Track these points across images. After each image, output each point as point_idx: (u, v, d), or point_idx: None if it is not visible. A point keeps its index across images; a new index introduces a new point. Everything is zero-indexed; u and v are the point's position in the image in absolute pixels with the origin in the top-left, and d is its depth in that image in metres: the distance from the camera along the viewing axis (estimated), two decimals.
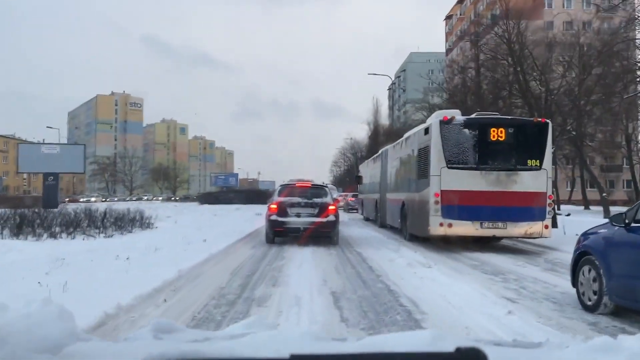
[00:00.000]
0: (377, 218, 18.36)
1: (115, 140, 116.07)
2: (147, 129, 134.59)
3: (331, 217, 10.70)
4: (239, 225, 15.93)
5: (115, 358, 1.02)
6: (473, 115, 10.63)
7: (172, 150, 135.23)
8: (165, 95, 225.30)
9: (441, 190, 9.92)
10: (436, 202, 9.92)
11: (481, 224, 9.89)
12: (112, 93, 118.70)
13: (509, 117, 11.40)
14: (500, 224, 9.91)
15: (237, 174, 77.65)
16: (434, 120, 10.37)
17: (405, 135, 14.17)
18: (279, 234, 10.98)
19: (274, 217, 10.67)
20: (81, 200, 56.35)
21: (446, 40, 62.94)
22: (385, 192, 16.25)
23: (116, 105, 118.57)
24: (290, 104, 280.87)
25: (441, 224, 9.86)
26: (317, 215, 10.63)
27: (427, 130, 10.63)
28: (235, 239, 11.65)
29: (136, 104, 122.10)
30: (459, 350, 0.76)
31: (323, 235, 10.96)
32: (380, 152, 18.93)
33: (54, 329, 0.96)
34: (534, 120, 10.41)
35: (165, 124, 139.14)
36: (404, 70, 66.16)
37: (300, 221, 10.59)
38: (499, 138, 10.04)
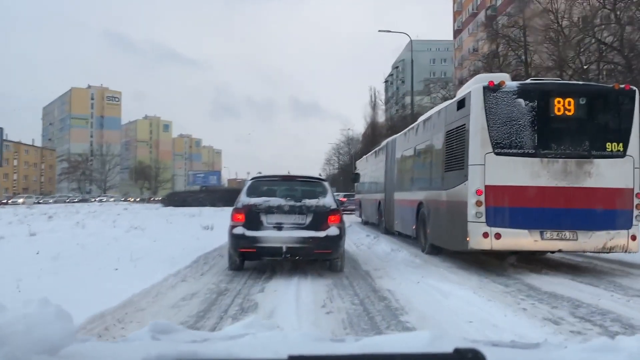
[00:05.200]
0: (380, 222, 15.82)
1: (91, 136, 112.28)
2: (129, 125, 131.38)
3: (333, 230, 6.93)
4: (120, 273, 6.59)
5: (114, 358, 1.04)
6: (528, 81, 7.90)
7: (154, 148, 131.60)
8: (147, 95, 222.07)
9: (485, 186, 7.20)
10: (478, 203, 7.19)
11: (542, 233, 7.19)
12: (89, 86, 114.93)
13: (580, 82, 8.63)
14: (568, 234, 7.22)
15: (218, 172, 72.31)
16: (474, 87, 7.61)
17: (424, 116, 11.44)
18: (249, 256, 7.28)
19: (239, 231, 6.92)
20: (3, 201, 51.63)
21: (454, 20, 59.36)
22: (393, 191, 13.65)
23: (92, 99, 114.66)
24: (280, 103, 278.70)
25: (485, 235, 7.13)
26: (310, 227, 6.90)
27: (462, 103, 7.89)
28: None
29: (114, 98, 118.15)
30: (457, 351, 0.77)
31: (319, 258, 7.34)
32: (384, 143, 16.31)
33: (52, 329, 0.94)
34: (615, 86, 7.70)
35: (147, 121, 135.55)
36: (403, 59, 63.33)
37: (281, 237, 6.83)
38: (567, 112, 7.35)
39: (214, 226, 14.34)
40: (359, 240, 12.48)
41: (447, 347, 0.79)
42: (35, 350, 0.88)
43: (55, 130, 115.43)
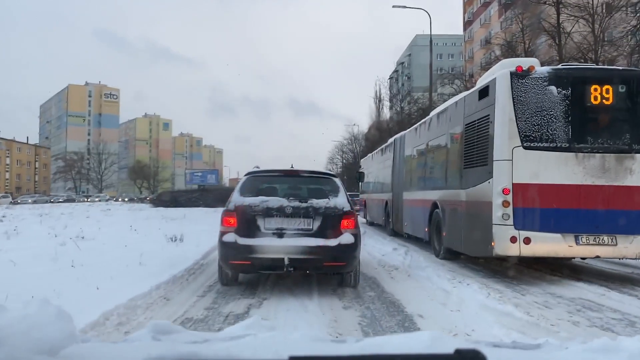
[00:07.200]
0: (387, 223, 15.17)
1: (89, 135, 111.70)
2: (128, 124, 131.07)
3: (347, 237, 5.69)
4: None
5: (114, 359, 1.04)
6: (560, 66, 7.18)
7: (154, 147, 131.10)
8: (146, 95, 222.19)
9: (513, 184, 6.49)
10: (504, 204, 6.48)
11: (577, 238, 6.48)
12: (87, 83, 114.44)
13: (619, 67, 7.91)
14: (606, 238, 6.51)
15: (216, 171, 70.56)
16: (499, 72, 6.89)
17: (437, 109, 10.72)
18: (243, 269, 6.03)
19: (230, 238, 5.68)
20: None
21: (464, 12, 58.48)
22: (401, 190, 13.00)
23: (90, 96, 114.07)
24: (281, 103, 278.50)
25: (513, 239, 6.42)
26: (319, 234, 5.68)
27: (485, 91, 7.18)
28: None
29: (112, 95, 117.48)
30: (458, 352, 0.77)
31: (329, 272, 6.24)
32: (391, 140, 15.66)
33: (52, 330, 0.95)
34: None
35: (147, 119, 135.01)
36: (409, 54, 62.26)
37: (283, 246, 5.57)
38: (605, 101, 6.65)
39: (185, 236, 10.76)
40: (386, 258, 9.01)
41: (448, 348, 0.78)
42: (35, 351, 0.87)
43: (53, 128, 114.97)
